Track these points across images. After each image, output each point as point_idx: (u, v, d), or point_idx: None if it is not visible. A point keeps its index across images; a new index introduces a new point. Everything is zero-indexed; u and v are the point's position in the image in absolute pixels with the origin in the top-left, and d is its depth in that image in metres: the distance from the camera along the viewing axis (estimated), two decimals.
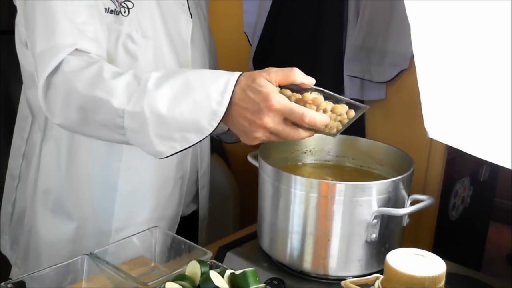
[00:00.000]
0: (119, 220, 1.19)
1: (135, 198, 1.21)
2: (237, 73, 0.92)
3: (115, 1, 1.10)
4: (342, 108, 0.92)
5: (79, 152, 1.16)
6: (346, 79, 1.43)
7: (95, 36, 1.04)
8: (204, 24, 1.34)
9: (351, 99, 1.40)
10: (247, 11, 1.70)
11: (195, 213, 1.38)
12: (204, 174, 1.35)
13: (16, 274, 1.26)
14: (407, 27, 0.85)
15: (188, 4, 1.21)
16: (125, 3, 1.10)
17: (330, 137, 1.27)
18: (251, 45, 1.68)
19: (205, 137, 0.93)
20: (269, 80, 0.90)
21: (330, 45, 1.44)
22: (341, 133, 1.30)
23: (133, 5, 1.11)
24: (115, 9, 1.09)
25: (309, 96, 0.91)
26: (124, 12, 1.10)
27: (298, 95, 0.91)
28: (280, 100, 0.88)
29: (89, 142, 1.14)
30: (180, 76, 0.94)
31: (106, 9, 1.08)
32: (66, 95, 0.98)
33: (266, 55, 1.55)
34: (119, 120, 0.95)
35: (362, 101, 1.46)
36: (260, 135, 0.90)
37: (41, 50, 1.00)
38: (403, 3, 0.85)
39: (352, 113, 0.93)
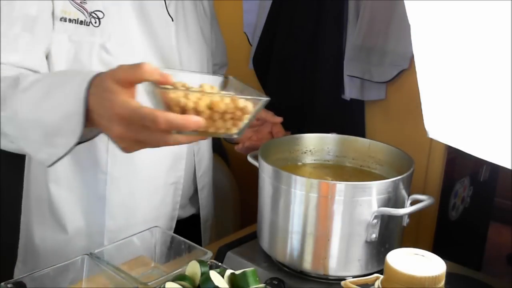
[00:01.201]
0: (110, 232, 1.18)
1: (125, 209, 1.19)
2: (91, 74, 0.84)
3: (85, 11, 1.08)
4: (225, 105, 0.76)
5: (64, 164, 1.14)
6: (346, 79, 1.43)
7: (27, 48, 1.02)
8: (205, 20, 1.33)
9: (351, 99, 1.41)
10: (247, 11, 1.70)
11: (195, 215, 1.38)
12: (203, 175, 1.34)
13: (17, 275, 1.26)
14: (407, 27, 0.85)
15: (166, 7, 1.19)
16: (95, 13, 1.09)
17: (330, 137, 1.28)
18: (251, 45, 1.68)
19: (78, 139, 0.84)
20: (117, 80, 0.78)
21: (330, 45, 1.44)
22: (340, 133, 1.30)
23: (104, 14, 1.09)
24: (85, 20, 1.08)
25: (171, 94, 0.75)
26: (95, 22, 1.09)
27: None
28: (123, 105, 0.75)
29: (74, 154, 1.12)
30: (50, 76, 0.92)
31: (74, 20, 1.07)
32: None
33: (266, 55, 1.55)
34: (1, 126, 0.92)
35: (362, 101, 1.47)
36: (126, 145, 0.80)
37: None
38: (403, 3, 0.85)
39: (249, 107, 0.78)
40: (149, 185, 1.21)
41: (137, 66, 0.76)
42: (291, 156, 1.27)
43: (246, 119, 0.79)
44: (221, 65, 1.52)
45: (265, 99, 0.80)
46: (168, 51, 1.19)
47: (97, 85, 0.81)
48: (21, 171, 1.23)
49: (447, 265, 0.78)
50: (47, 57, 1.08)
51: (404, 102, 1.41)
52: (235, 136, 0.81)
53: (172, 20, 1.20)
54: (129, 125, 0.76)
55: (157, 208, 1.23)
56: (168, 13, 1.19)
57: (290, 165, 1.25)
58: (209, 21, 1.37)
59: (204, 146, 1.33)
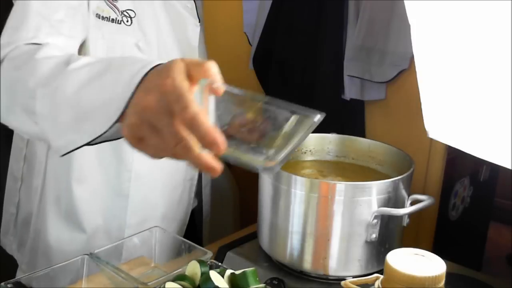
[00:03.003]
0: (131, 228, 1.19)
1: (146, 205, 1.20)
2: (151, 64, 0.72)
3: (116, 10, 1.07)
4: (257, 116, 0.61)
5: (89, 162, 1.14)
6: (346, 79, 1.43)
7: (70, 35, 1.01)
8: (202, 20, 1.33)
9: (351, 99, 1.40)
10: (247, 11, 1.69)
11: (193, 211, 1.38)
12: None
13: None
14: (407, 27, 0.85)
15: (196, 8, 1.20)
16: (126, 12, 1.08)
17: (330, 137, 1.28)
18: (251, 45, 1.68)
19: (109, 127, 0.75)
20: (187, 63, 0.68)
21: (330, 45, 1.44)
22: (340, 133, 1.30)
23: (135, 13, 1.09)
24: (116, 18, 1.07)
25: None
26: (127, 21, 1.08)
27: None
28: (176, 79, 0.64)
29: (97, 152, 1.12)
30: (105, 60, 0.82)
31: (107, 17, 1.06)
32: None
33: (266, 55, 1.55)
34: (31, 103, 0.84)
35: (362, 101, 1.46)
36: (136, 130, 0.68)
37: (2, 43, 0.95)
38: (403, 3, 0.85)
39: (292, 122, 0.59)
40: (171, 181, 1.22)
41: (206, 64, 0.68)
42: (291, 156, 1.26)
43: (290, 143, 0.61)
44: None
45: (318, 116, 0.62)
46: (189, 55, 1.19)
47: (158, 69, 0.70)
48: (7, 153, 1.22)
49: (447, 265, 0.78)
50: (83, 52, 1.06)
51: (404, 102, 1.41)
52: (274, 169, 0.62)
53: (199, 22, 1.21)
54: (160, 101, 0.64)
55: (176, 203, 1.25)
56: (198, 15, 1.20)
57: (290, 164, 1.25)
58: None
59: None
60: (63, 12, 1.00)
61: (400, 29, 1.32)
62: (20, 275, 1.25)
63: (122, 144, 1.10)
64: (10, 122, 0.92)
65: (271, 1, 1.54)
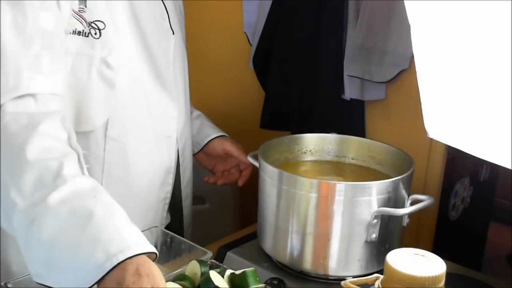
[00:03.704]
0: None
1: None
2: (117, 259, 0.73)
3: (83, 21, 0.99)
4: None
5: None
6: (346, 79, 1.43)
7: (52, 71, 0.91)
8: (182, 22, 1.24)
9: (351, 99, 1.40)
10: (247, 11, 1.69)
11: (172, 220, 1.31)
12: (187, 185, 1.28)
13: None
14: (407, 27, 0.85)
15: (169, 19, 1.14)
16: (95, 23, 1.00)
17: (330, 137, 1.28)
18: (251, 45, 1.68)
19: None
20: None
21: (330, 45, 1.44)
22: (340, 133, 1.30)
23: (105, 25, 1.01)
24: (83, 31, 0.99)
25: None
26: (95, 34, 1.00)
27: None
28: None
29: None
30: (89, 209, 0.77)
31: (73, 31, 0.98)
32: None
33: (266, 55, 1.55)
34: (10, 212, 0.80)
35: (362, 101, 1.47)
36: None
37: None
38: (403, 3, 0.85)
39: None
40: (143, 203, 1.16)
41: None
42: (291, 156, 1.27)
43: None
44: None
45: None
46: (164, 67, 1.13)
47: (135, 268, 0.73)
48: None
49: (447, 265, 0.78)
50: None
51: (404, 102, 1.41)
52: None
53: (173, 33, 1.15)
54: None
55: (148, 226, 1.15)
56: (170, 26, 1.14)
57: (290, 165, 1.25)
58: (183, 22, 1.28)
59: (188, 157, 1.27)
60: (38, 43, 0.90)
61: (400, 29, 1.32)
62: None
63: (92, 168, 1.04)
64: None
65: (271, 1, 1.54)
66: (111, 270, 0.73)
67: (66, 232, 0.76)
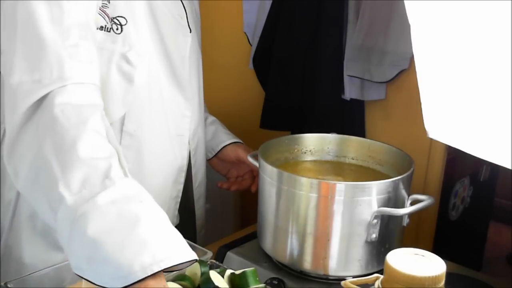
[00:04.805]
0: None
1: None
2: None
3: (106, 16, 1.01)
4: None
5: None
6: (346, 79, 1.43)
7: (89, 59, 0.93)
8: (197, 22, 1.26)
9: (351, 99, 1.40)
10: (247, 11, 1.69)
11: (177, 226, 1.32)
12: (199, 185, 1.29)
13: None
14: (407, 27, 0.85)
15: (187, 17, 1.15)
16: (117, 19, 1.02)
17: (330, 137, 1.28)
18: (251, 45, 1.68)
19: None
20: None
21: (330, 45, 1.44)
22: (340, 133, 1.30)
23: (127, 21, 1.03)
24: (105, 26, 1.01)
25: None
26: (117, 29, 1.02)
27: None
28: None
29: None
30: (136, 211, 0.81)
31: (97, 26, 1.00)
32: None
33: (266, 55, 1.55)
34: (55, 206, 0.83)
35: (362, 101, 1.47)
36: None
37: (19, 80, 0.88)
38: (403, 3, 0.85)
39: None
40: (155, 200, 1.17)
41: None
42: (291, 156, 1.27)
43: None
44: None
45: None
46: (180, 66, 1.14)
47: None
48: None
49: (447, 265, 0.78)
50: None
51: (404, 102, 1.41)
52: None
53: (190, 32, 1.16)
54: None
55: None
56: (188, 25, 1.15)
57: (290, 165, 1.25)
58: (199, 23, 1.30)
59: (200, 158, 1.28)
60: (75, 33, 0.92)
61: (400, 29, 1.32)
62: None
63: None
64: (31, 200, 0.91)
65: (271, 1, 1.54)
66: (148, 276, 0.76)
67: (113, 232, 0.78)
